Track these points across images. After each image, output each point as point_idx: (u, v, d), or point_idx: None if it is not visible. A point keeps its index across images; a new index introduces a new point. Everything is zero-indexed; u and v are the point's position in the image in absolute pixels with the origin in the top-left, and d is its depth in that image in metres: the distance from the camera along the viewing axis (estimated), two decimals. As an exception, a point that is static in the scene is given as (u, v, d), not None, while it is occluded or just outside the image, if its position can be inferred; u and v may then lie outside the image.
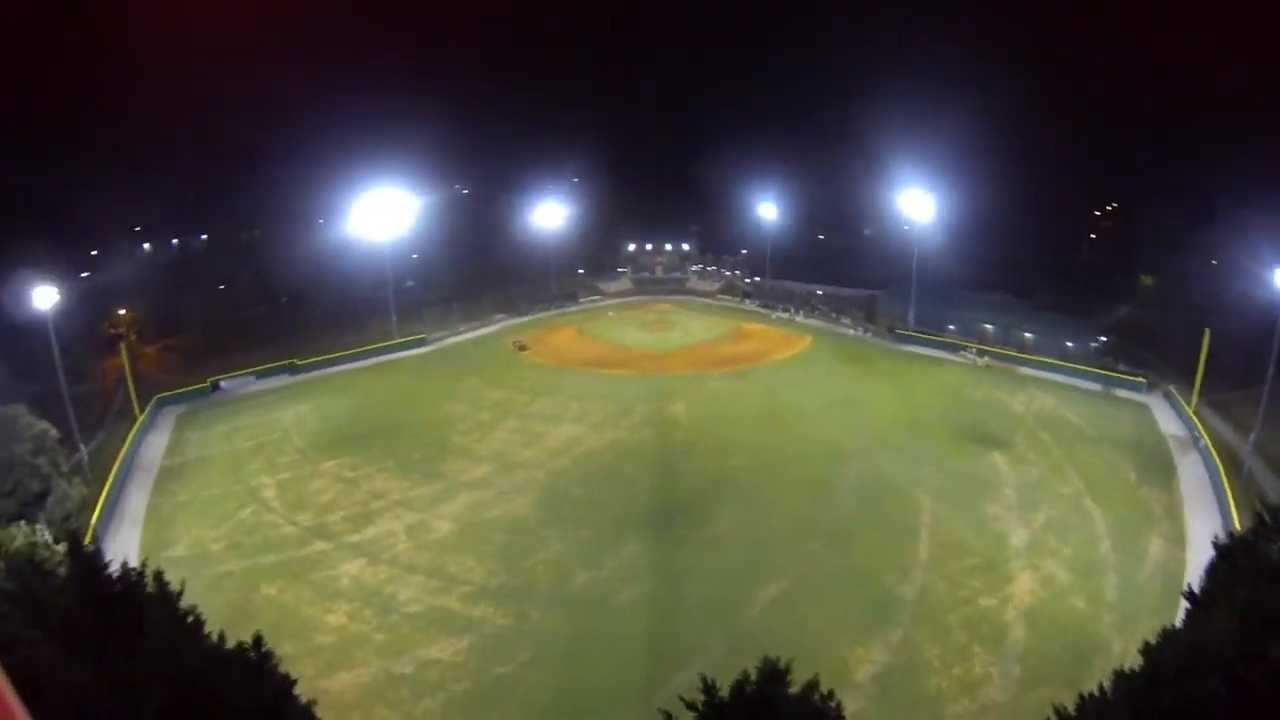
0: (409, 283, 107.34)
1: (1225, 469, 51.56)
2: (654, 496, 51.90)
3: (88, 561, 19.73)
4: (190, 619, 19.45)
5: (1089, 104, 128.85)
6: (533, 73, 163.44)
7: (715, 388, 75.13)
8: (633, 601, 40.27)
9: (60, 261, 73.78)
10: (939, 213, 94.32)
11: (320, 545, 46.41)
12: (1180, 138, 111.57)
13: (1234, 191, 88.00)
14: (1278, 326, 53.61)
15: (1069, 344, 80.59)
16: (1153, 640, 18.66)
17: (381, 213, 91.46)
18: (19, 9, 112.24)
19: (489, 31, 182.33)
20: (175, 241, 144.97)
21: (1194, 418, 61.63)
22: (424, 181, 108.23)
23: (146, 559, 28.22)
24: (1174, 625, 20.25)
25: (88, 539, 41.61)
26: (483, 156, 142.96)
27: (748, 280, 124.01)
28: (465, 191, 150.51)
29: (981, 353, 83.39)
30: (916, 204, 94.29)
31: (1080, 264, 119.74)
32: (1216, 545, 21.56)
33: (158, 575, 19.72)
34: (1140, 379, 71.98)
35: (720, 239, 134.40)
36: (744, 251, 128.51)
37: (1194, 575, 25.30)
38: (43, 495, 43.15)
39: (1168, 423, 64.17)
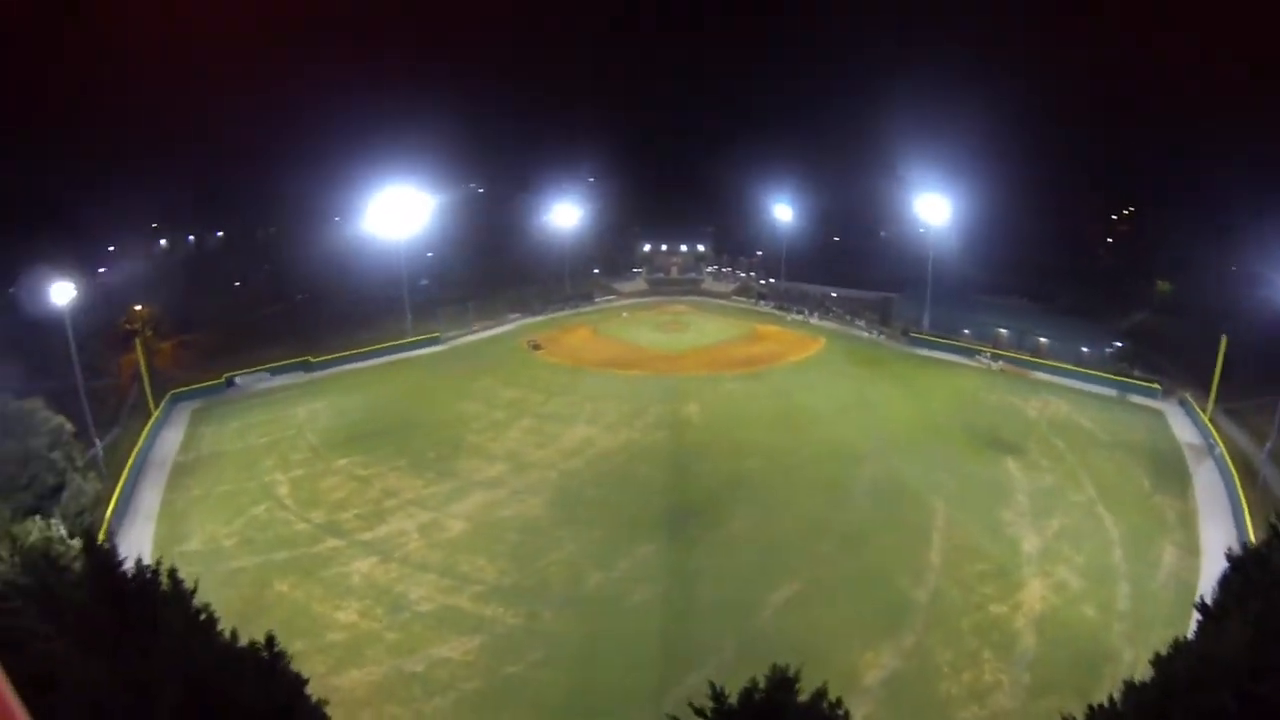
0: (424, 281, 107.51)
1: (1240, 477, 51.20)
2: (668, 497, 51.88)
3: (103, 557, 19.87)
4: (203, 616, 19.59)
5: (1106, 107, 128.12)
6: (547, 73, 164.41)
7: (730, 389, 75.06)
8: (645, 602, 40.26)
9: (76, 259, 74.18)
10: (955, 216, 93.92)
11: (332, 542, 46.61)
12: (1200, 142, 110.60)
13: (1253, 197, 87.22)
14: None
15: (1084, 349, 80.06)
16: (1164, 651, 18.53)
17: (397, 211, 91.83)
18: (19, 9, 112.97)
19: (509, 31, 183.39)
20: (191, 239, 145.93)
21: (1209, 425, 61.20)
22: (439, 180, 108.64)
23: (160, 554, 28.47)
24: (1186, 636, 20.12)
25: (102, 533, 42.05)
26: (498, 155, 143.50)
27: (763, 282, 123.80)
28: (480, 190, 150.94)
29: (996, 357, 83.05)
30: (932, 207, 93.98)
31: (1096, 268, 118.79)
32: (1229, 557, 21.40)
33: (172, 573, 19.85)
34: (1155, 385, 71.49)
35: (736, 240, 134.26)
36: (759, 253, 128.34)
37: (1207, 584, 25.21)
38: (58, 489, 43.51)
39: (1183, 430, 63.72)
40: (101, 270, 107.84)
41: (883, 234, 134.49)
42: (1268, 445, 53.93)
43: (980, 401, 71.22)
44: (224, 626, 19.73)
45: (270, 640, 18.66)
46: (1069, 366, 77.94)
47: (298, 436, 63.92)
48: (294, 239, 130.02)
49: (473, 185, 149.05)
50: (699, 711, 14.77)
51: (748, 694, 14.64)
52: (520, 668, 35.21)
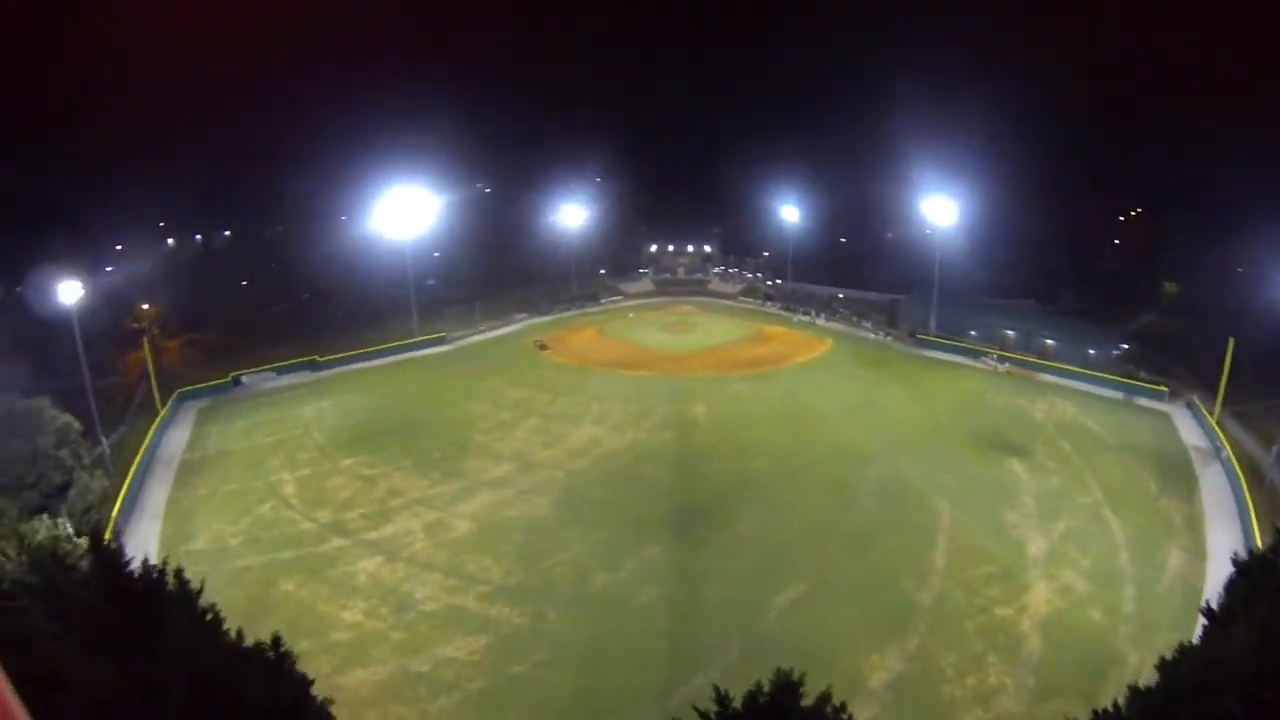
0: (430, 281, 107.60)
1: (1247, 481, 50.95)
2: (674, 498, 51.88)
3: (109, 556, 19.94)
4: (209, 616, 19.65)
5: (1106, 107, 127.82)
6: (547, 73, 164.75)
7: (736, 390, 75.07)
8: (651, 603, 40.26)
9: (82, 258, 74.37)
10: (961, 217, 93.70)
11: (338, 542, 46.69)
12: (1200, 142, 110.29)
13: (1260, 198, 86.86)
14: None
15: (1091, 351, 79.81)
16: (1169, 655, 18.52)
17: (403, 211, 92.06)
18: (19, 9, 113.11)
19: (509, 31, 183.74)
20: (199, 238, 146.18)
21: (1216, 428, 60.95)
22: (446, 180, 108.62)
23: (167, 553, 28.52)
24: (1191, 640, 20.09)
25: (109, 531, 42.13)
26: (500, 156, 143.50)
27: (769, 283, 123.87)
28: (487, 190, 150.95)
29: (1002, 359, 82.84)
30: (939, 208, 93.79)
31: (1103, 270, 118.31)
32: (1236, 562, 21.35)
33: (178, 572, 19.91)
34: (1162, 388, 71.23)
35: (742, 241, 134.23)
36: (766, 254, 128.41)
37: (1213, 588, 25.11)
38: (65, 487, 43.70)
39: (1190, 433, 63.51)
40: (109, 269, 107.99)
41: (889, 235, 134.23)
42: (1275, 449, 53.57)
43: (986, 403, 71.09)
44: (230, 626, 19.81)
45: (276, 640, 18.73)
46: (1075, 369, 77.75)
47: (304, 436, 64.06)
48: (301, 239, 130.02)
49: (479, 185, 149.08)
50: (703, 715, 14.78)
51: (752, 697, 14.64)
52: (526, 668, 35.21)
